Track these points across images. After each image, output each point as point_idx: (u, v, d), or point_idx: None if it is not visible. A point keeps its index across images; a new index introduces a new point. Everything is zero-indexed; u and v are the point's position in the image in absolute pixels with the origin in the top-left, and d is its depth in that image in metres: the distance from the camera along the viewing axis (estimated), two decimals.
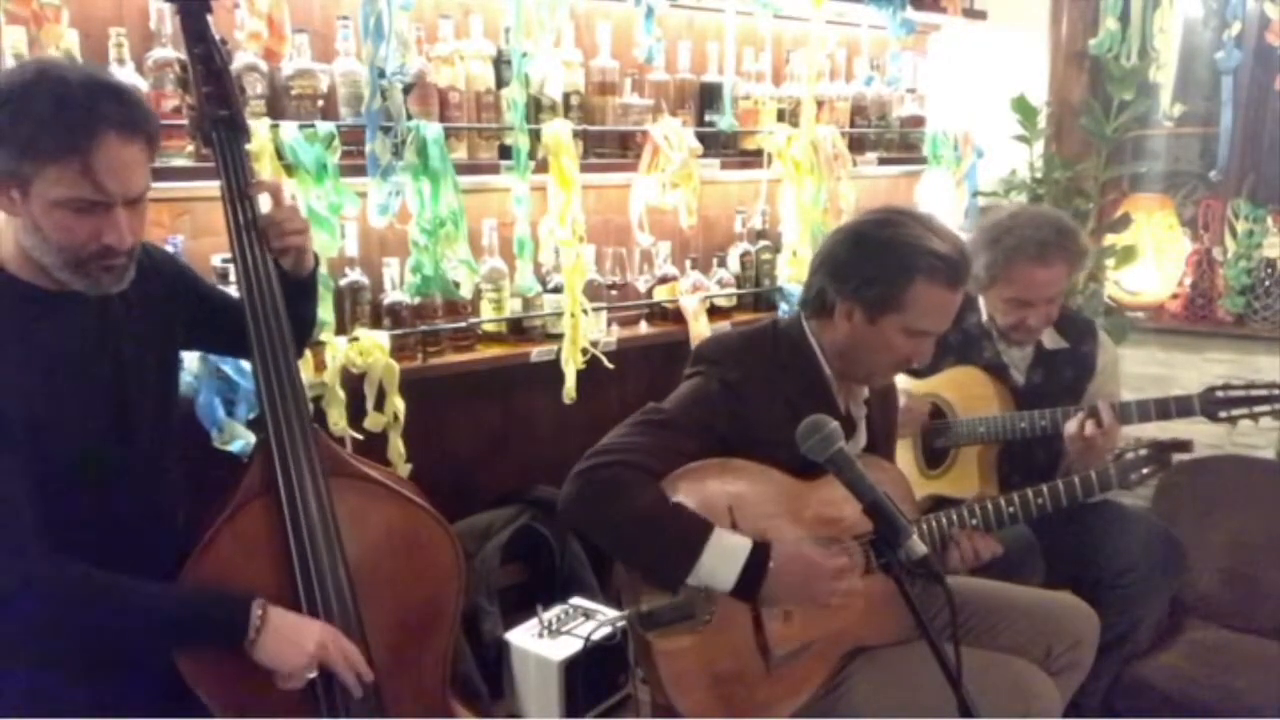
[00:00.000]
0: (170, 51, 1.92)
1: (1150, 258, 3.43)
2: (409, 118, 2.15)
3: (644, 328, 2.73)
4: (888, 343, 1.72)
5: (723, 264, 2.95)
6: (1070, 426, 2.07)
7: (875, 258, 1.69)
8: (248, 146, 1.63)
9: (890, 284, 1.67)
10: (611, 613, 2.31)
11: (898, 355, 1.74)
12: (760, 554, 1.59)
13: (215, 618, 1.40)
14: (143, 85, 1.90)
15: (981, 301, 2.33)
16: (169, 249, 1.84)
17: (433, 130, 2.15)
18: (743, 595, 1.59)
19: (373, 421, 2.15)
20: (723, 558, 1.58)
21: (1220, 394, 2.03)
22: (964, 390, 2.30)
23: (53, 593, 1.34)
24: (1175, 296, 3.45)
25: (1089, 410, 2.06)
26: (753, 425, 1.71)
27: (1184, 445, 1.90)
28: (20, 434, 1.34)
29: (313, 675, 1.41)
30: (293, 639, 1.39)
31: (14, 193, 1.31)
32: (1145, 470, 1.85)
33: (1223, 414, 2.03)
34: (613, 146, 2.62)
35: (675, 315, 2.74)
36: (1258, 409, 2.01)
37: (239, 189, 1.53)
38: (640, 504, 1.59)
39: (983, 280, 2.23)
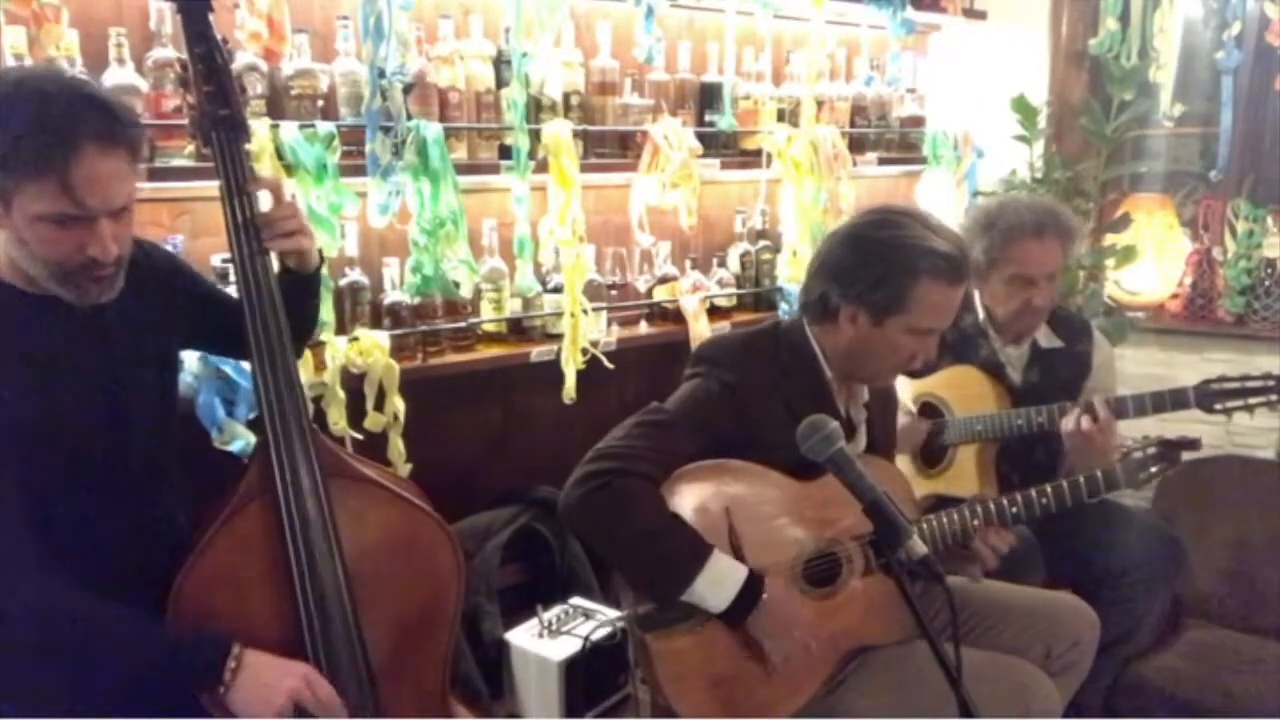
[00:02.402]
0: (170, 51, 1.92)
1: (1150, 258, 3.43)
2: (409, 118, 2.15)
3: (644, 328, 2.73)
4: (893, 343, 1.72)
5: (723, 264, 2.95)
6: (1067, 423, 2.07)
7: (878, 261, 1.69)
8: (248, 146, 1.63)
9: (895, 286, 1.68)
10: (611, 613, 2.32)
11: (903, 355, 1.74)
12: (754, 584, 1.60)
13: (190, 662, 1.37)
14: (143, 85, 1.90)
15: (978, 300, 2.34)
16: (169, 248, 1.83)
17: (433, 130, 2.15)
18: (730, 620, 1.60)
19: (373, 421, 2.15)
20: (717, 583, 1.58)
21: (1215, 386, 2.04)
22: (961, 389, 2.31)
23: (32, 613, 1.33)
24: (1175, 296, 3.45)
25: (1084, 406, 2.06)
26: (753, 427, 1.71)
27: (1192, 443, 1.90)
28: (14, 439, 1.33)
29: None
30: (266, 685, 1.37)
31: None
32: (1154, 469, 1.85)
33: (1218, 406, 2.04)
34: (613, 146, 2.62)
35: (675, 315, 2.74)
36: (1252, 400, 2.02)
37: (238, 187, 1.52)
38: (641, 518, 1.60)
39: (981, 265, 2.24)
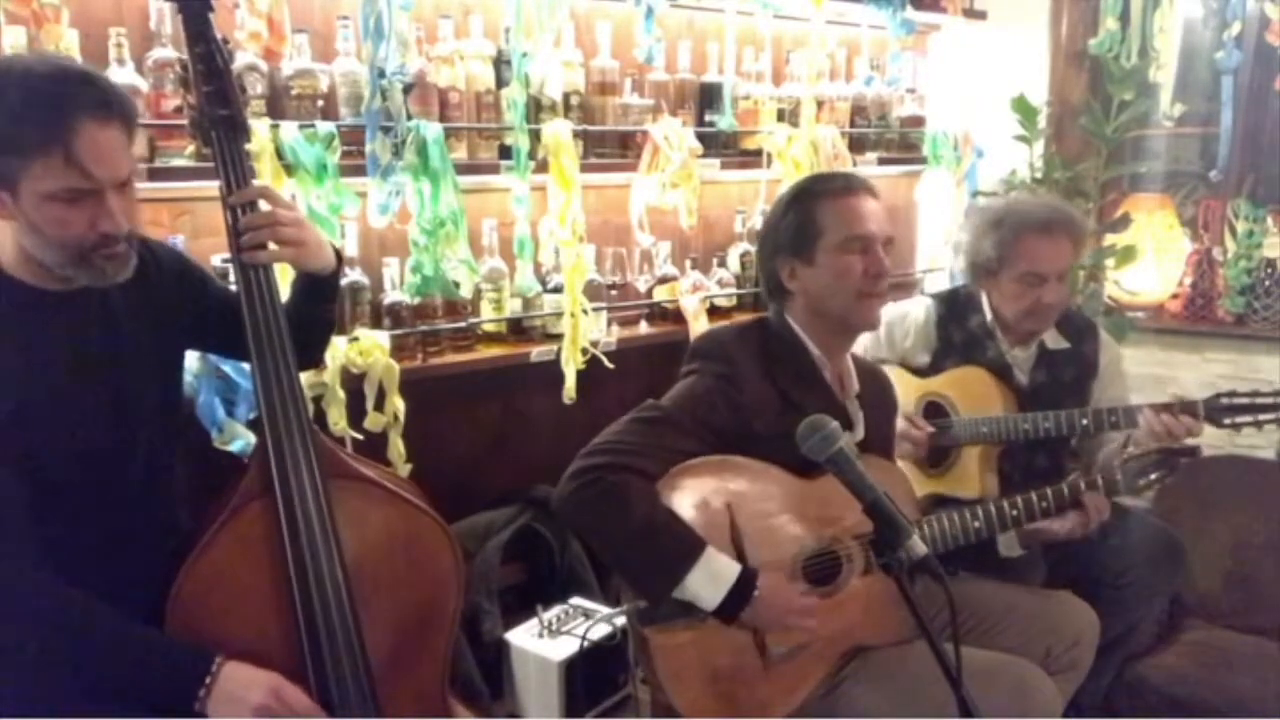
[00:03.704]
0: (170, 51, 1.92)
1: (1150, 258, 3.43)
2: (409, 118, 2.15)
3: (644, 328, 2.73)
4: (836, 269, 1.76)
5: (723, 264, 2.95)
6: (1146, 419, 2.04)
7: (783, 210, 1.83)
8: (248, 146, 1.62)
9: (796, 217, 1.78)
10: (611, 613, 2.32)
11: (854, 276, 1.75)
12: (747, 580, 1.59)
13: (171, 675, 1.37)
14: (143, 85, 1.90)
15: (985, 301, 2.33)
16: (174, 246, 1.83)
17: (433, 130, 2.15)
18: (723, 617, 1.60)
19: (373, 421, 2.15)
20: (709, 580, 1.58)
21: (1225, 401, 2.03)
22: (967, 390, 2.30)
23: (25, 609, 1.33)
24: (1175, 296, 3.45)
25: (1163, 405, 2.05)
26: (750, 418, 1.71)
27: (1192, 451, 1.90)
28: (16, 437, 1.33)
29: None
30: (235, 699, 1.36)
31: (3, 194, 1.31)
32: (1153, 475, 1.85)
33: (1227, 420, 2.03)
34: (613, 146, 2.62)
35: (675, 315, 2.74)
36: (1262, 417, 2.01)
37: (237, 187, 1.52)
38: (634, 515, 1.60)
39: (993, 263, 2.23)
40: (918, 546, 1.32)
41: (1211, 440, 2.10)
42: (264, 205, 1.55)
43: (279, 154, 1.97)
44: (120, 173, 1.34)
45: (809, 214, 1.77)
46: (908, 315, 2.38)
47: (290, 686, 1.41)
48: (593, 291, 2.52)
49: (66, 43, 1.80)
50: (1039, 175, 3.40)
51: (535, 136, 2.37)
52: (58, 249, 1.35)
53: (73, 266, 1.37)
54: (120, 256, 1.39)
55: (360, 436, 2.13)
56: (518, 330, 2.51)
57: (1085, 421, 2.14)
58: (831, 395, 1.81)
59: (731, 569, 1.60)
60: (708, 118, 2.81)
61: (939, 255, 3.42)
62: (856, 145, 3.14)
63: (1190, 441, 1.98)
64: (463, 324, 2.37)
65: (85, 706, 1.36)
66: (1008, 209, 2.25)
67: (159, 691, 1.38)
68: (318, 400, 2.07)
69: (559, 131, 2.36)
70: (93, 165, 1.30)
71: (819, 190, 1.80)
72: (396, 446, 2.19)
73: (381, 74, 2.09)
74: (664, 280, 2.76)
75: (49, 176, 1.28)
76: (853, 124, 3.15)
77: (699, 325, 2.69)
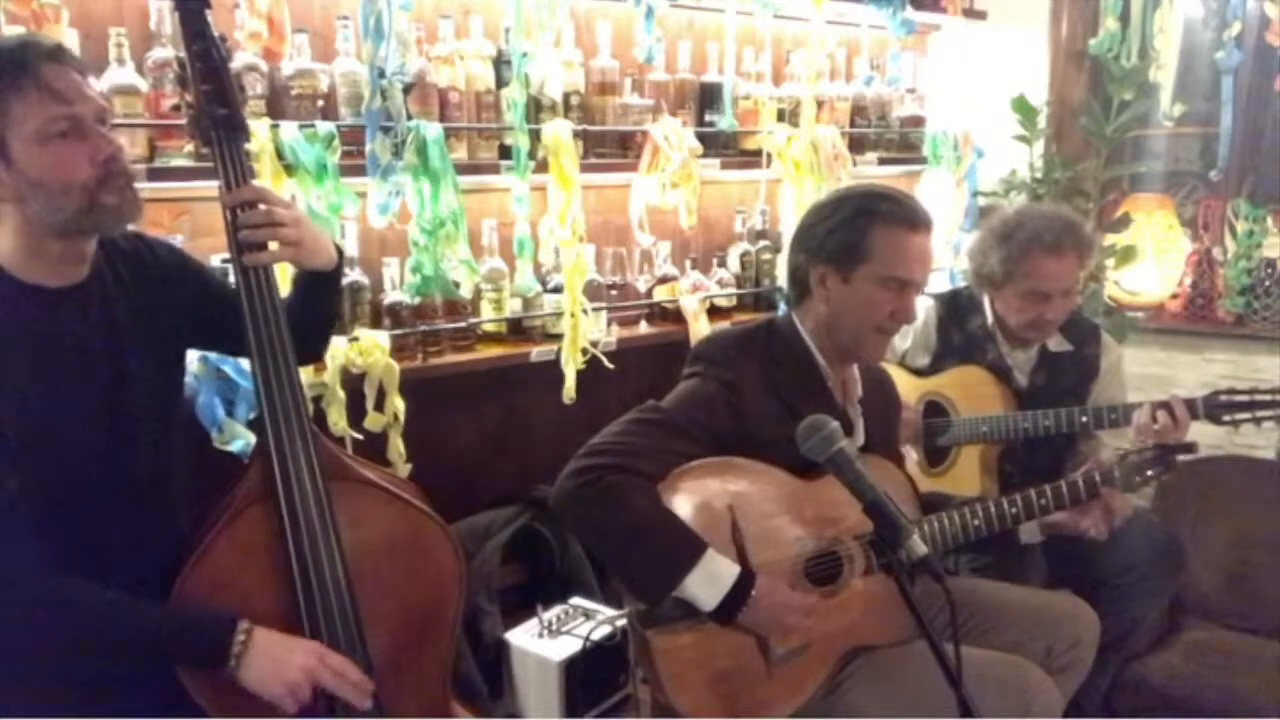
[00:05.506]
0: (170, 51, 1.92)
1: (1150, 258, 3.43)
2: (409, 118, 2.15)
3: (644, 328, 2.73)
4: (867, 299, 1.74)
5: (723, 264, 2.95)
6: (1141, 416, 2.06)
7: (833, 213, 1.77)
8: (247, 146, 1.62)
9: (851, 232, 1.73)
10: (611, 613, 2.32)
11: (880, 313, 1.74)
12: (745, 582, 1.59)
13: (197, 639, 1.37)
14: (143, 85, 1.90)
15: (987, 304, 2.33)
16: (174, 243, 1.82)
17: (433, 130, 2.15)
18: (720, 618, 1.60)
19: (373, 421, 2.15)
20: (709, 581, 1.58)
21: (1224, 398, 2.04)
22: (967, 390, 2.31)
23: (33, 603, 1.33)
24: (1175, 296, 3.45)
25: (1161, 403, 2.05)
26: (751, 423, 1.71)
27: (1189, 447, 1.90)
28: (15, 437, 1.33)
29: (306, 701, 1.37)
30: (278, 660, 1.37)
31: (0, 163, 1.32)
32: (1150, 472, 1.85)
33: (1226, 417, 2.04)
34: (613, 146, 2.62)
35: (675, 315, 2.74)
36: (1261, 414, 2.02)
37: (236, 187, 1.51)
38: (635, 514, 1.59)
39: (997, 276, 2.23)
40: (918, 546, 1.33)
41: (1211, 440, 2.11)
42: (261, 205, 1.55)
43: (279, 154, 1.97)
44: (94, 105, 1.36)
45: (864, 233, 1.72)
46: None
47: (332, 652, 1.41)
48: (593, 291, 2.52)
49: (67, 43, 1.80)
50: (1039, 175, 3.40)
51: (535, 136, 2.37)
52: (62, 196, 1.33)
53: (83, 214, 1.36)
54: (128, 191, 1.39)
55: (360, 436, 2.13)
56: (518, 330, 2.51)
57: (1085, 419, 2.14)
58: (833, 402, 1.80)
59: (730, 571, 1.59)
60: (708, 118, 2.81)
61: (938, 255, 3.41)
62: (856, 145, 3.14)
63: (1187, 438, 1.98)
64: (463, 324, 2.37)
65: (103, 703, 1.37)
66: (1017, 223, 2.23)
67: (188, 662, 1.38)
68: (318, 400, 2.07)
69: (559, 131, 2.36)
70: (68, 92, 1.32)
71: (883, 212, 1.73)
72: (396, 446, 2.19)
73: (381, 74, 2.09)
74: (664, 280, 2.76)
75: (30, 114, 1.30)
76: (853, 124, 3.15)
77: (699, 325, 2.69)
